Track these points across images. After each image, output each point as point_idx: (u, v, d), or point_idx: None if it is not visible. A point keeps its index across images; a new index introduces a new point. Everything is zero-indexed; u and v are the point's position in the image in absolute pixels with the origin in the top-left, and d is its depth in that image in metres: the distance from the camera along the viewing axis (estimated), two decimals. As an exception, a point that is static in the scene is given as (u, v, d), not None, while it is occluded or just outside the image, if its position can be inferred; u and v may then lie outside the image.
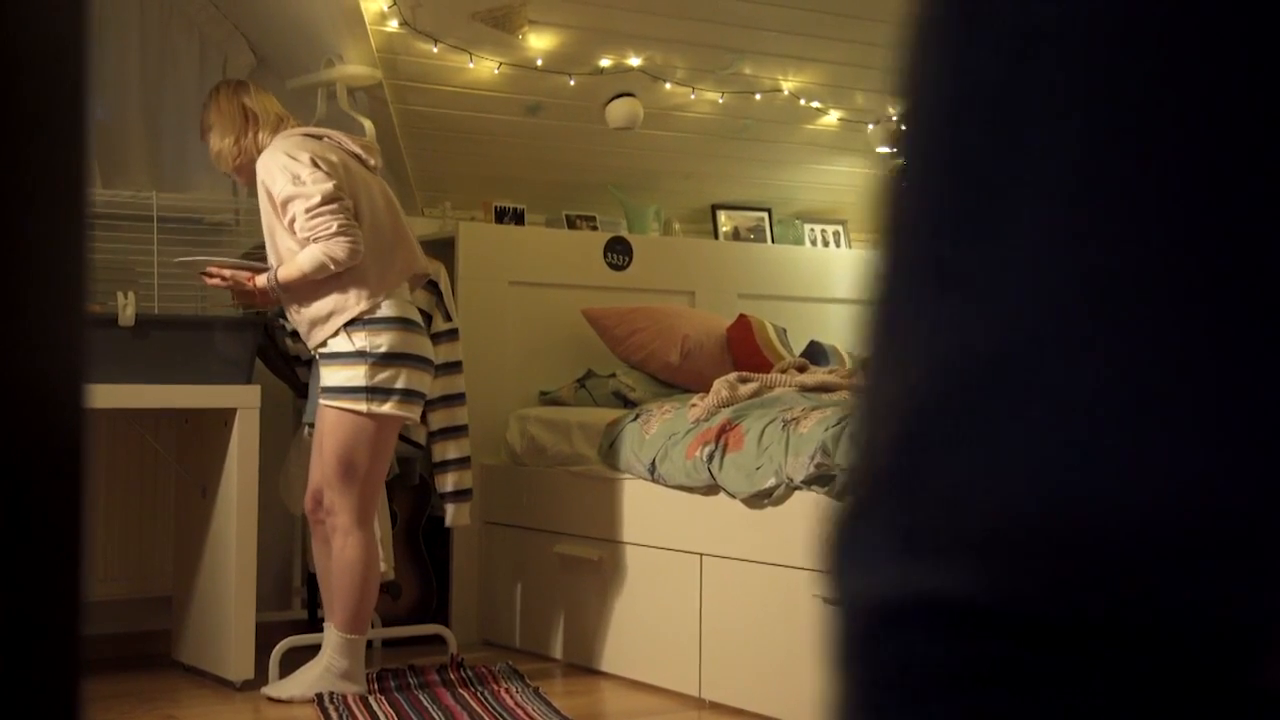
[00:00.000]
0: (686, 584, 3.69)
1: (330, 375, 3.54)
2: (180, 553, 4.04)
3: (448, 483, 4.19)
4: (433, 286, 4.25)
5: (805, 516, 3.27)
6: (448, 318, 4.27)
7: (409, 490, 4.28)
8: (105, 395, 3.49)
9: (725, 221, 5.08)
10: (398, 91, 4.34)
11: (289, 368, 4.15)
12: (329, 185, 3.46)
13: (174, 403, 3.73)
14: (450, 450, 4.20)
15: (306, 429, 4.00)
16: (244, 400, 3.74)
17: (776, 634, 3.35)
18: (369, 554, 3.56)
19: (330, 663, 3.55)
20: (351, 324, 3.50)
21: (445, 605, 4.40)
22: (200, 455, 3.92)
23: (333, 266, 3.46)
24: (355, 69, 4.09)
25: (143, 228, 3.85)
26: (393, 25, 4.10)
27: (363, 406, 3.50)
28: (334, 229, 3.45)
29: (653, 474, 3.78)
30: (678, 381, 4.41)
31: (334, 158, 3.55)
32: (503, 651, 4.24)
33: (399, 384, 3.53)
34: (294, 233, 3.51)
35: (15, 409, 0.45)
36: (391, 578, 4.12)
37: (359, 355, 3.50)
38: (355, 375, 3.50)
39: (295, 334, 4.07)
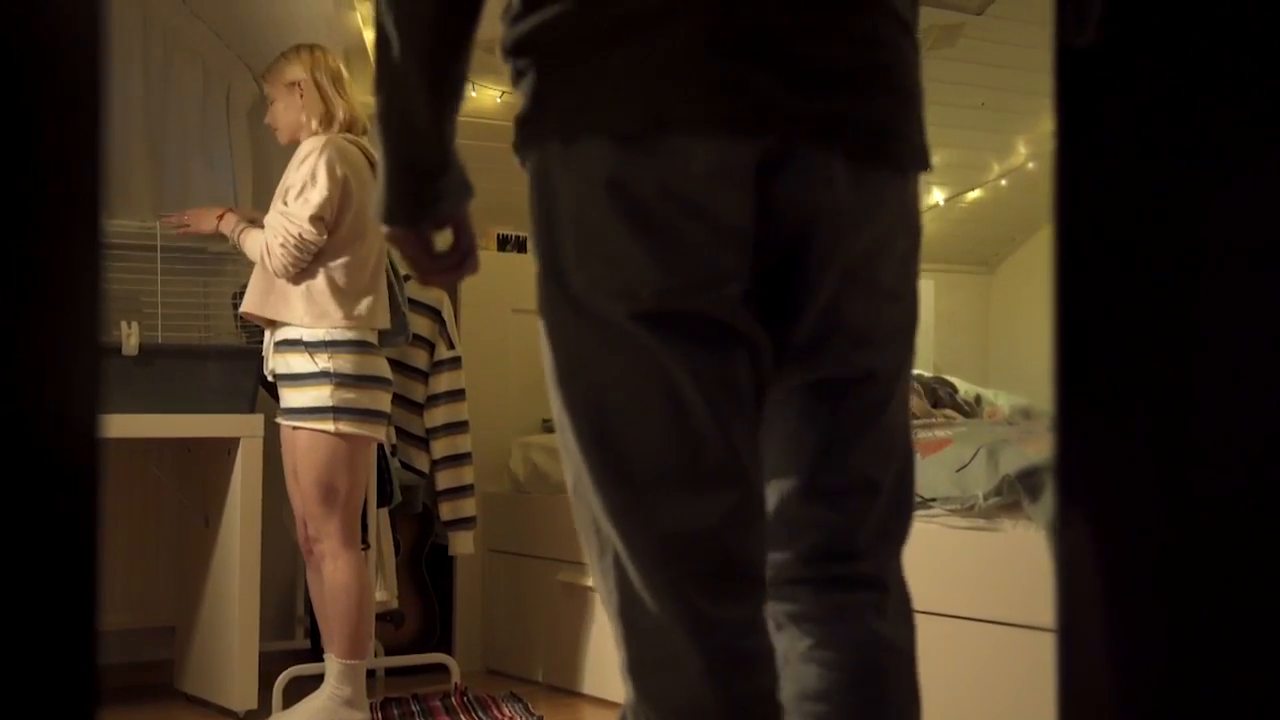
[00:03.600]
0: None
1: (293, 397, 3.46)
2: (183, 582, 4.03)
3: (451, 511, 4.19)
4: (435, 314, 4.25)
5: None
6: (450, 345, 4.27)
7: (412, 519, 4.27)
8: (108, 424, 3.48)
9: None
10: (400, 120, 4.35)
11: (292, 396, 4.15)
12: (327, 209, 3.42)
13: (177, 432, 3.73)
14: (453, 478, 4.20)
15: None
16: (247, 429, 3.74)
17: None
18: (360, 576, 3.52)
19: (333, 691, 3.53)
20: (313, 345, 3.45)
21: (449, 634, 4.39)
22: (203, 484, 3.92)
23: (266, 262, 3.44)
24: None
25: (146, 257, 3.86)
26: (396, 54, 4.11)
27: (330, 426, 3.43)
28: (293, 239, 3.39)
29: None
30: (681, 408, 4.40)
31: (366, 181, 3.50)
32: (506, 680, 4.23)
33: (364, 405, 3.47)
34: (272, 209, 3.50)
35: (31, 438, 0.45)
36: (395, 606, 4.11)
37: (323, 375, 3.43)
38: (320, 396, 3.43)
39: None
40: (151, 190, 4.26)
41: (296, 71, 3.60)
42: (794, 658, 1.50)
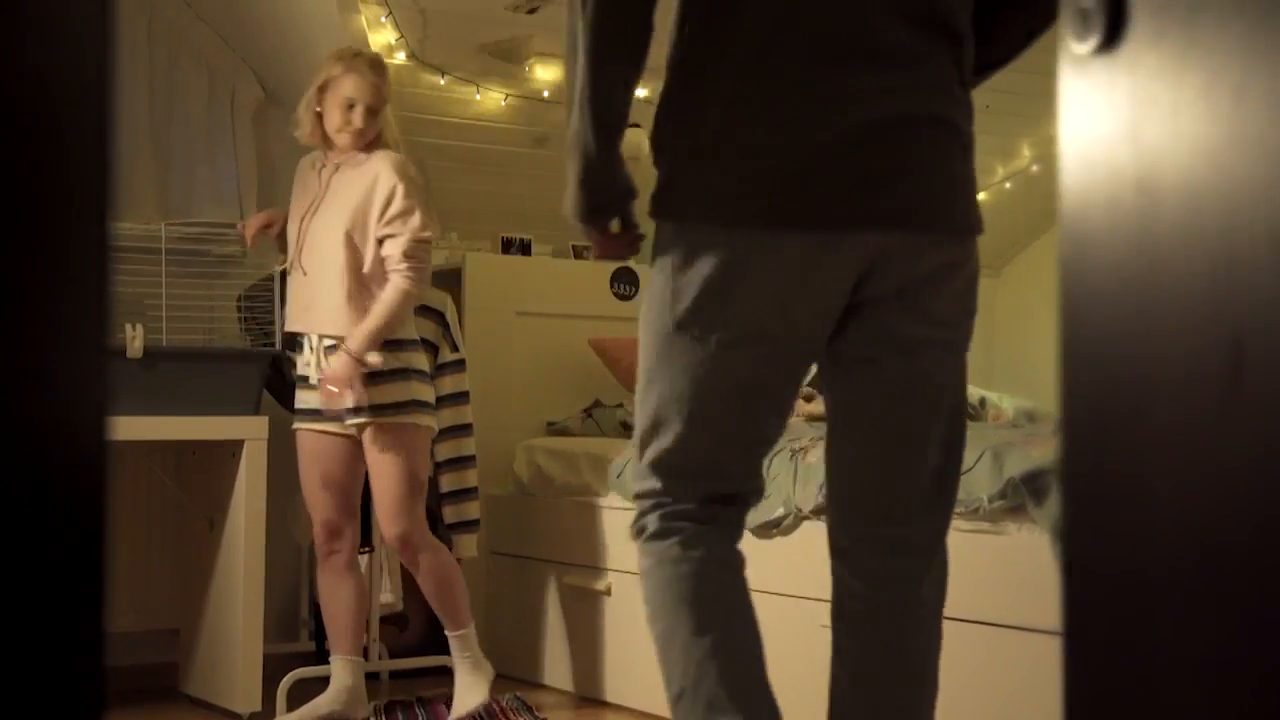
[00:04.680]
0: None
1: (382, 393, 3.54)
2: (187, 585, 4.03)
3: (455, 513, 4.19)
4: (439, 317, 4.25)
5: (813, 547, 3.25)
6: (454, 348, 4.27)
7: (416, 521, 4.27)
8: (113, 427, 3.48)
9: None
10: (405, 123, 4.36)
11: (296, 399, 4.15)
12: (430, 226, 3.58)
13: (181, 434, 3.73)
14: (457, 481, 4.20)
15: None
16: (251, 432, 3.74)
17: (784, 664, 3.32)
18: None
19: (473, 661, 3.71)
20: (393, 343, 3.56)
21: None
22: (207, 487, 3.92)
23: (408, 301, 3.58)
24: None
25: (151, 260, 3.86)
26: (400, 58, 4.12)
27: (415, 419, 3.59)
28: (421, 268, 3.55)
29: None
30: (685, 411, 4.41)
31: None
32: (510, 683, 4.22)
33: (430, 398, 3.68)
34: (372, 235, 3.53)
35: (39, 442, 0.45)
36: (400, 609, 4.11)
37: (403, 372, 3.57)
38: (405, 390, 3.57)
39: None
40: (156, 193, 4.26)
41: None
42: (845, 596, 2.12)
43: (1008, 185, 5.42)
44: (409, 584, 4.21)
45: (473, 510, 4.20)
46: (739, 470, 2.10)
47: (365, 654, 3.96)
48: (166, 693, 4.00)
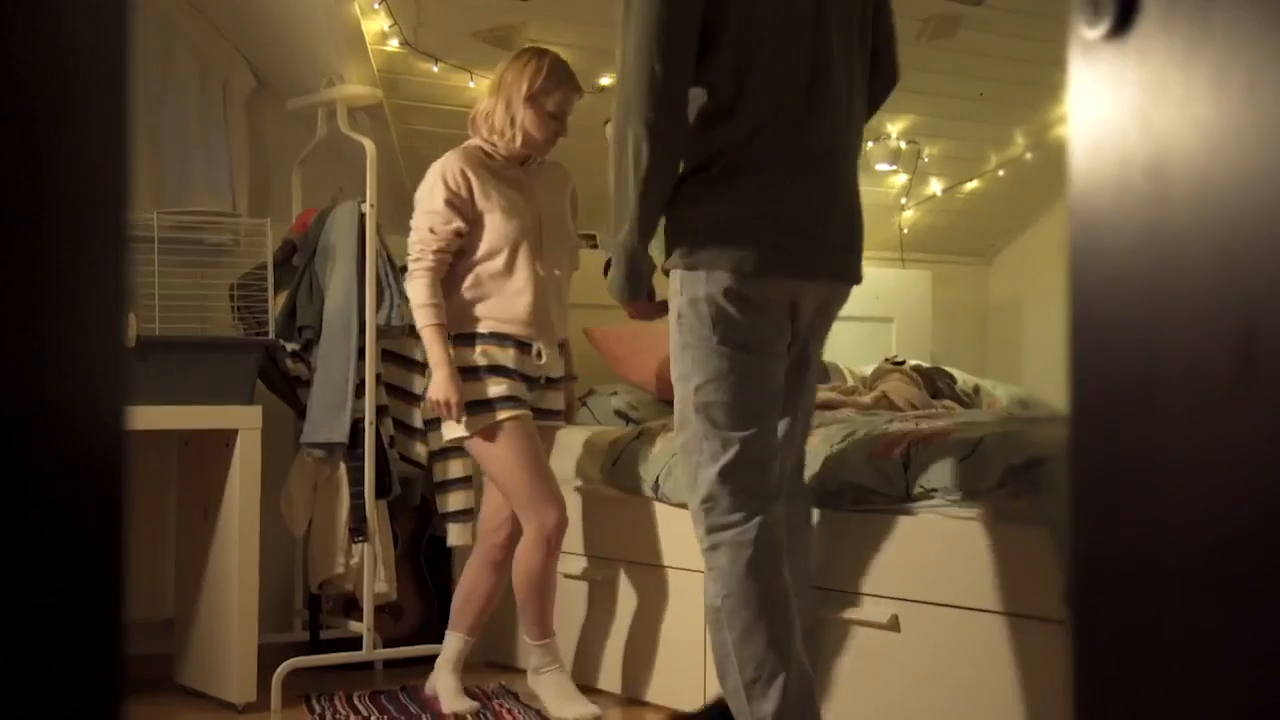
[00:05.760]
0: (692, 603, 3.68)
1: (557, 399, 3.79)
2: (181, 575, 4.03)
3: (449, 503, 4.19)
4: (433, 306, 4.25)
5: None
6: (449, 337, 4.27)
7: (410, 510, 4.27)
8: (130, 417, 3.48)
9: None
10: (399, 111, 4.35)
11: (290, 389, 4.14)
12: None
13: (175, 424, 3.73)
14: (451, 470, 4.20)
15: (307, 450, 3.99)
16: (245, 421, 3.74)
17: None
18: None
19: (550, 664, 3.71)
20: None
21: (447, 625, 4.38)
22: (201, 477, 3.91)
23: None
24: (356, 89, 4.09)
25: (143, 249, 3.85)
26: (393, 45, 4.10)
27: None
28: None
29: (656, 492, 3.77)
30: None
31: None
32: (504, 672, 4.22)
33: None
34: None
35: (57, 432, 0.44)
36: (393, 598, 4.11)
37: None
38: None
39: (296, 355, 4.07)
40: (148, 181, 4.25)
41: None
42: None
43: (1001, 173, 5.42)
44: (402, 576, 4.21)
45: (467, 499, 4.19)
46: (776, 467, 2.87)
47: (361, 643, 3.97)
48: (161, 683, 3.99)
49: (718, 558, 2.74)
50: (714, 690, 3.55)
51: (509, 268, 3.61)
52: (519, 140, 3.61)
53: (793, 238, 2.77)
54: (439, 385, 3.53)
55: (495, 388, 3.58)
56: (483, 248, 3.60)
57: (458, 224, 3.59)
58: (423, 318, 3.56)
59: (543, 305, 3.64)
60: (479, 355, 3.60)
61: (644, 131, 2.66)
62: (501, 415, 3.57)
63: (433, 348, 3.53)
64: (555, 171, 3.79)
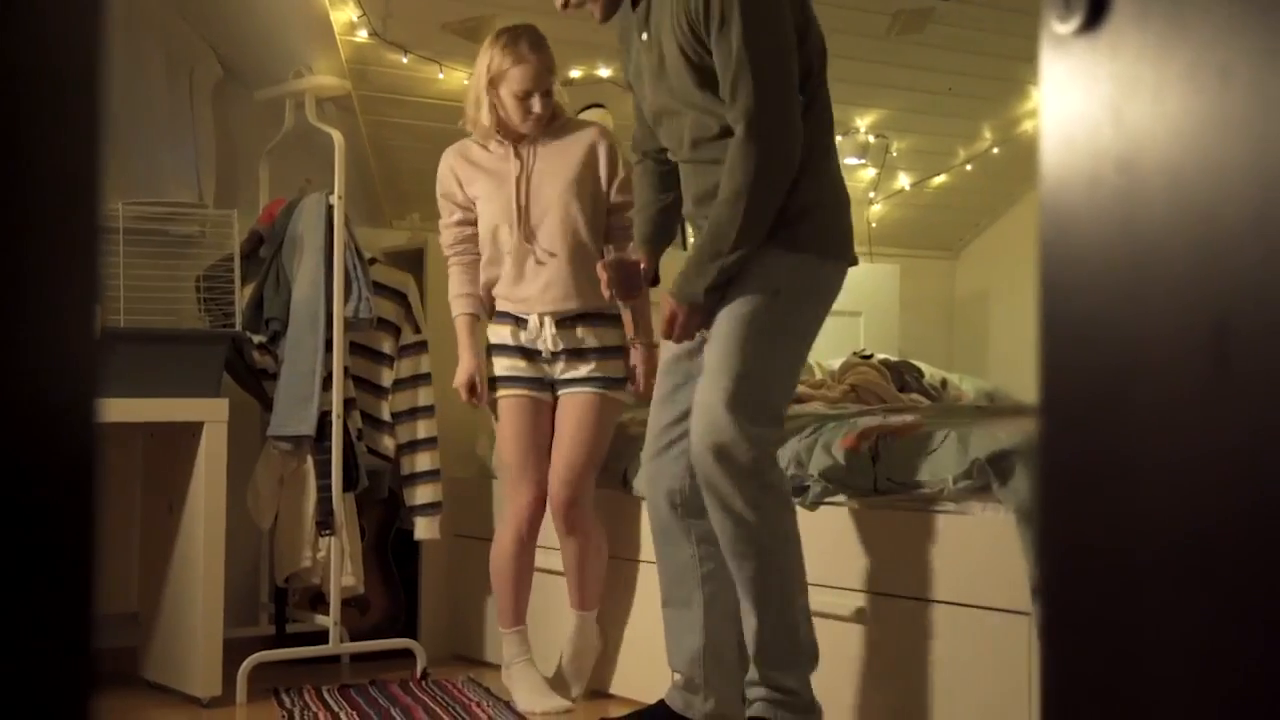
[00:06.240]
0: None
1: (607, 367, 3.70)
2: (146, 569, 4.00)
3: (416, 496, 4.18)
4: (401, 298, 4.23)
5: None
6: (416, 329, 4.25)
7: (377, 504, 4.26)
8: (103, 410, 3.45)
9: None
10: (367, 102, 4.33)
11: (257, 381, 4.12)
12: None
13: (140, 416, 3.70)
14: (419, 463, 4.19)
15: (273, 443, 3.97)
16: (211, 414, 3.71)
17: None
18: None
19: (594, 640, 3.75)
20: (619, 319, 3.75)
21: (414, 619, 4.38)
22: (167, 470, 3.89)
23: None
24: (324, 80, 4.07)
25: (109, 240, 3.82)
26: (362, 36, 4.08)
27: (623, 394, 3.76)
28: None
29: (625, 484, 3.77)
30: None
31: None
32: (473, 665, 4.22)
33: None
34: (592, 209, 3.69)
35: (29, 423, 0.44)
36: (360, 592, 4.09)
37: (623, 348, 3.76)
38: (622, 367, 3.75)
39: (263, 347, 4.05)
40: (114, 173, 4.21)
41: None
42: None
43: (969, 168, 5.43)
44: (369, 569, 4.20)
45: (434, 492, 4.19)
46: None
47: (328, 636, 3.95)
48: (125, 678, 3.97)
49: (773, 503, 2.87)
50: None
51: (495, 248, 3.72)
52: (490, 127, 3.67)
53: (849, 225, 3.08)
54: (456, 375, 3.78)
55: (496, 367, 3.76)
56: (480, 233, 3.75)
57: (459, 215, 3.78)
58: (452, 310, 3.80)
59: (535, 279, 3.67)
60: (491, 334, 3.78)
61: (786, 167, 2.84)
62: (498, 393, 3.74)
63: (459, 336, 3.76)
64: (573, 140, 3.72)
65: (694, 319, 2.94)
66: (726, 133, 2.86)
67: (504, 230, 3.70)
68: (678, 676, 3.11)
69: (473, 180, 3.74)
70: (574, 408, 3.70)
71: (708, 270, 2.88)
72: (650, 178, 3.27)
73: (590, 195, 3.69)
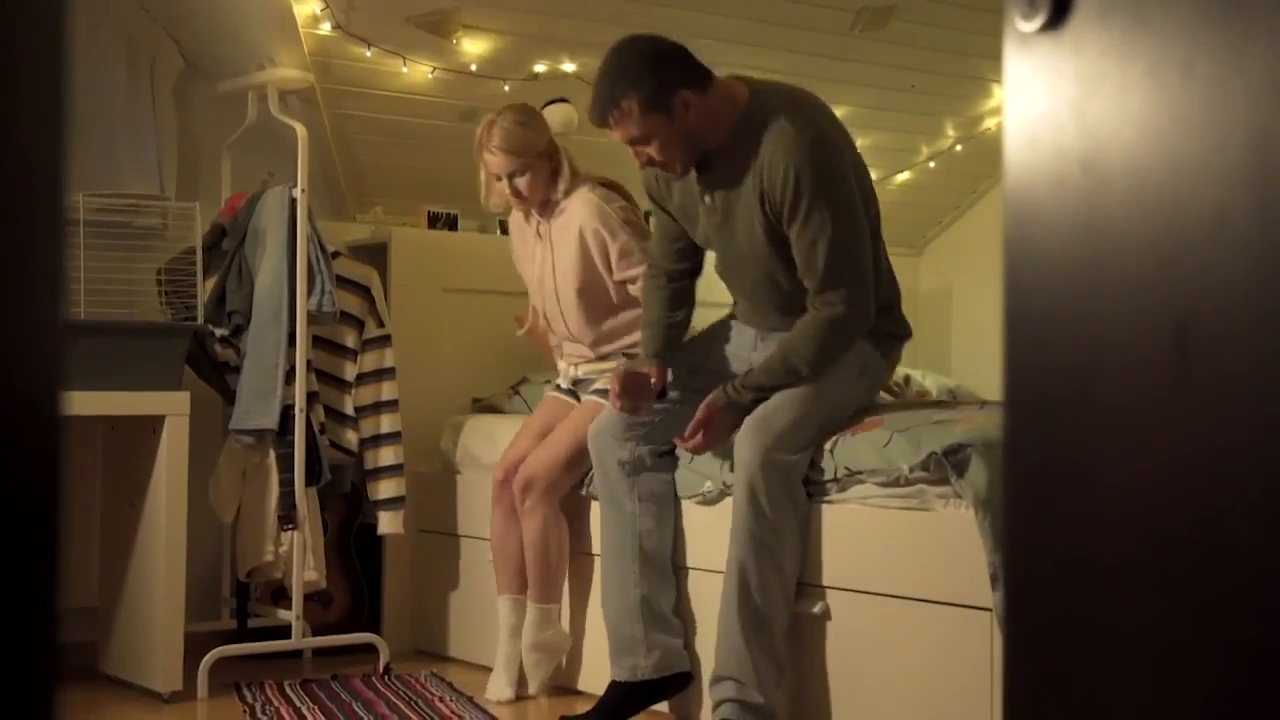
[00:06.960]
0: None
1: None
2: (106, 563, 3.97)
3: (380, 490, 4.16)
4: (364, 292, 4.22)
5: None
6: (380, 323, 4.24)
7: (340, 498, 4.24)
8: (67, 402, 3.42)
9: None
10: (330, 95, 4.31)
11: (219, 375, 4.10)
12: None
13: (101, 410, 3.67)
14: (382, 457, 4.17)
15: (235, 436, 3.95)
16: (173, 407, 3.69)
17: (709, 640, 3.35)
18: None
19: (538, 638, 3.73)
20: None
21: (377, 614, 4.37)
22: (127, 463, 3.86)
23: None
24: (287, 72, 4.05)
25: (70, 232, 3.79)
26: (325, 29, 4.06)
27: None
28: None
29: (584, 488, 3.77)
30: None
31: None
32: (436, 660, 4.21)
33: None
34: (609, 279, 3.77)
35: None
36: (323, 586, 4.08)
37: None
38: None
39: (225, 340, 4.03)
40: (74, 164, 4.18)
41: (544, 138, 3.78)
42: None
43: (931, 165, 5.46)
44: (332, 564, 4.19)
45: (398, 487, 4.17)
46: None
47: (290, 631, 3.94)
48: (85, 672, 3.94)
49: (789, 505, 3.09)
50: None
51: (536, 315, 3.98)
52: (502, 205, 3.86)
53: None
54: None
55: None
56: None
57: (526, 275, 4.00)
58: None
59: (559, 340, 3.95)
60: None
61: (862, 327, 3.17)
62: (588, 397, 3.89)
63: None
64: (569, 212, 3.79)
65: (728, 424, 3.17)
66: (795, 284, 3.15)
67: (537, 299, 3.92)
68: (614, 644, 3.36)
69: (515, 248, 4.02)
70: (577, 408, 3.81)
71: (764, 390, 3.14)
72: (661, 294, 3.45)
73: (594, 275, 3.78)
